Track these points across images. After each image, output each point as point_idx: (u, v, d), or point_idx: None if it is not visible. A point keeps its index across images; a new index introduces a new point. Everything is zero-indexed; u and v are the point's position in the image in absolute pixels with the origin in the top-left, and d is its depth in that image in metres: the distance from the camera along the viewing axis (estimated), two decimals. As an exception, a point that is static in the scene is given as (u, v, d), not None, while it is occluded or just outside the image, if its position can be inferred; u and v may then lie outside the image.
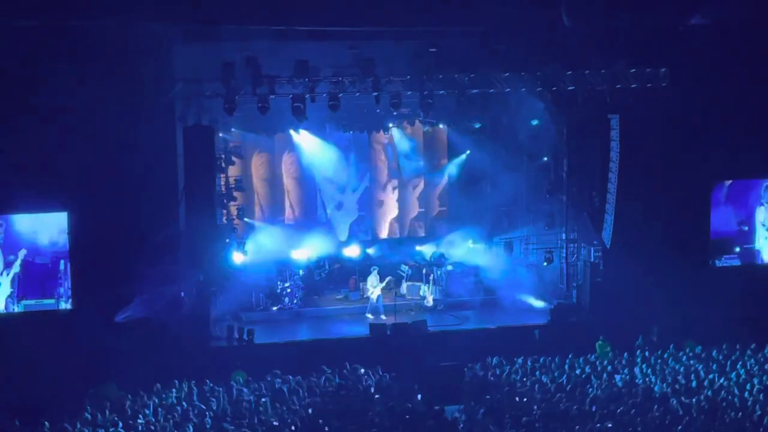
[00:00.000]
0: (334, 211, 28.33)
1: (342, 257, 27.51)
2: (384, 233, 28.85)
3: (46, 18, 20.12)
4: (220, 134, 25.16)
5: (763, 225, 25.42)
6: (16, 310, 21.92)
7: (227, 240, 24.90)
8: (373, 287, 25.32)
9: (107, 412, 17.91)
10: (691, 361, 20.88)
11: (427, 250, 27.88)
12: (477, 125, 26.93)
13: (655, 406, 17.79)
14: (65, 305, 22.10)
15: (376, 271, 25.55)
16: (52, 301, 22.10)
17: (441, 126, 27.97)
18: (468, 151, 27.83)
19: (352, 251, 27.61)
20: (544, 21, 22.19)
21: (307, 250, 26.99)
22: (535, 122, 25.81)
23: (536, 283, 26.99)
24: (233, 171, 26.38)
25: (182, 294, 22.28)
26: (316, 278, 26.79)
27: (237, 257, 25.20)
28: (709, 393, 18.59)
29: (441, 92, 22.89)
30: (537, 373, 20.33)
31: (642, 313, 23.41)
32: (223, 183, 25.41)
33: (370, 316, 25.12)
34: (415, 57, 22.72)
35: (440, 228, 28.81)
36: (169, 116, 22.08)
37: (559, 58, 22.91)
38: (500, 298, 26.63)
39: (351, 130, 27.56)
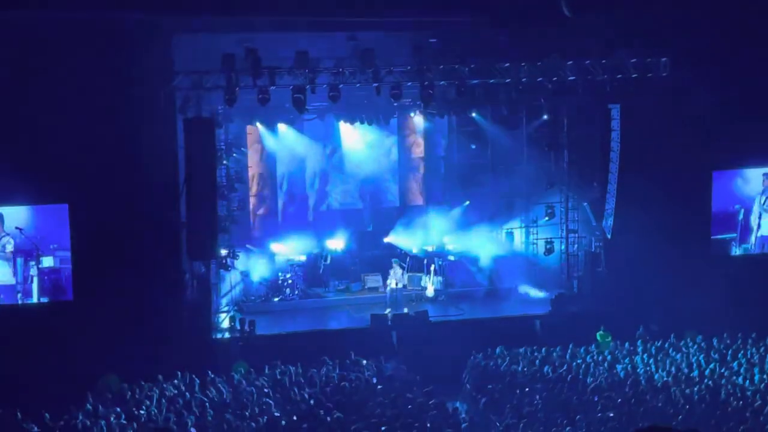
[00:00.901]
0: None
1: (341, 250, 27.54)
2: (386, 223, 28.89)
3: (44, 9, 20.09)
4: (221, 126, 25.12)
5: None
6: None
7: (226, 232, 24.92)
8: (393, 279, 25.10)
9: (109, 403, 17.94)
10: (692, 351, 20.89)
11: (428, 240, 27.87)
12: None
13: (657, 396, 17.83)
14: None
15: (397, 264, 25.39)
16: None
17: (442, 116, 27.90)
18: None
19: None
20: (545, 11, 22.13)
21: (305, 243, 27.05)
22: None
23: (537, 273, 27.05)
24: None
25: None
26: (320, 270, 26.76)
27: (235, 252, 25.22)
28: (710, 383, 18.61)
29: (441, 83, 22.87)
30: (538, 362, 20.35)
31: (643, 302, 23.43)
32: (224, 174, 25.38)
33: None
34: (416, 48, 22.69)
35: (441, 218, 28.81)
36: (169, 108, 22.04)
37: (560, 48, 22.88)
38: (501, 288, 26.70)
39: (352, 121, 27.54)
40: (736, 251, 25.31)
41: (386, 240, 27.54)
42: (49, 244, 21.78)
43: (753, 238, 25.38)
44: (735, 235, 25.24)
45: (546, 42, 22.91)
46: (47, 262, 21.83)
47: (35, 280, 21.81)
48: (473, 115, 27.10)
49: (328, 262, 26.88)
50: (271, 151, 27.63)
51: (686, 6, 22.78)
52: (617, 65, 22.81)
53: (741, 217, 25.23)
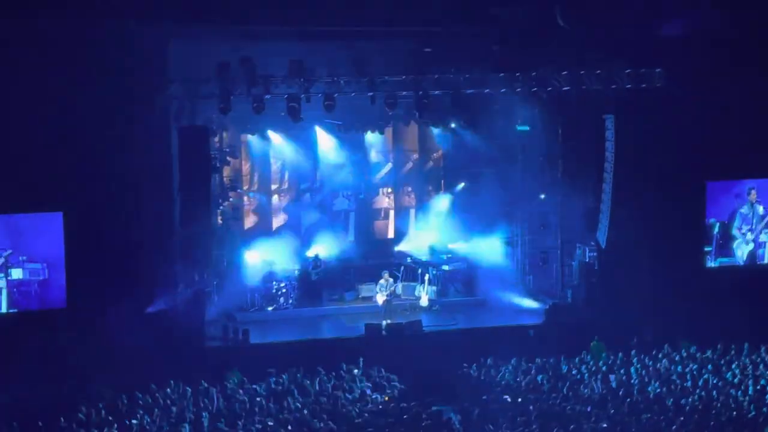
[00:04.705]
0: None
1: (338, 257, 27.52)
2: (379, 233, 28.87)
3: (40, 18, 20.09)
4: (215, 134, 25.11)
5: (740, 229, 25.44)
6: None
7: (221, 240, 24.91)
8: (382, 291, 24.96)
9: (102, 412, 17.88)
10: (686, 361, 20.90)
11: (422, 250, 27.86)
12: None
13: (650, 407, 17.82)
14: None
15: (387, 275, 25.25)
16: None
17: (434, 126, 27.91)
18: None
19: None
20: (540, 21, 22.21)
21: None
22: (525, 128, 25.86)
23: (531, 283, 27.03)
24: (227, 171, 26.39)
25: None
26: (313, 278, 26.69)
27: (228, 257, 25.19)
28: (704, 393, 18.61)
29: (436, 92, 22.89)
30: (532, 373, 20.33)
31: (637, 313, 23.45)
32: (217, 183, 25.37)
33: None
34: (411, 57, 22.72)
35: (435, 228, 28.79)
36: (164, 116, 22.06)
37: (555, 59, 22.93)
38: (495, 298, 26.62)
39: (346, 131, 27.53)
40: (712, 264, 25.32)
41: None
42: (19, 256, 21.71)
43: (741, 252, 25.38)
44: (710, 248, 25.26)
45: (541, 52, 22.96)
46: (16, 274, 21.77)
47: (4, 292, 21.71)
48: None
49: (321, 267, 26.82)
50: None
51: (680, 17, 22.87)
52: (612, 76, 22.87)
53: (716, 230, 25.24)
